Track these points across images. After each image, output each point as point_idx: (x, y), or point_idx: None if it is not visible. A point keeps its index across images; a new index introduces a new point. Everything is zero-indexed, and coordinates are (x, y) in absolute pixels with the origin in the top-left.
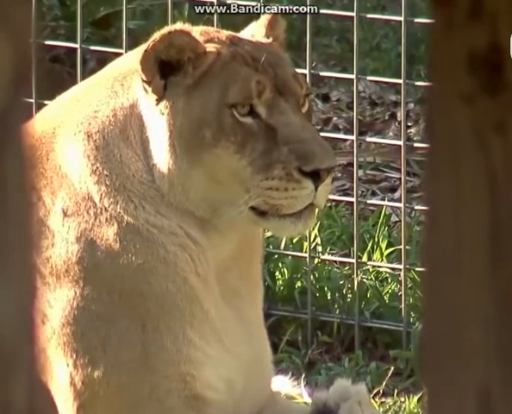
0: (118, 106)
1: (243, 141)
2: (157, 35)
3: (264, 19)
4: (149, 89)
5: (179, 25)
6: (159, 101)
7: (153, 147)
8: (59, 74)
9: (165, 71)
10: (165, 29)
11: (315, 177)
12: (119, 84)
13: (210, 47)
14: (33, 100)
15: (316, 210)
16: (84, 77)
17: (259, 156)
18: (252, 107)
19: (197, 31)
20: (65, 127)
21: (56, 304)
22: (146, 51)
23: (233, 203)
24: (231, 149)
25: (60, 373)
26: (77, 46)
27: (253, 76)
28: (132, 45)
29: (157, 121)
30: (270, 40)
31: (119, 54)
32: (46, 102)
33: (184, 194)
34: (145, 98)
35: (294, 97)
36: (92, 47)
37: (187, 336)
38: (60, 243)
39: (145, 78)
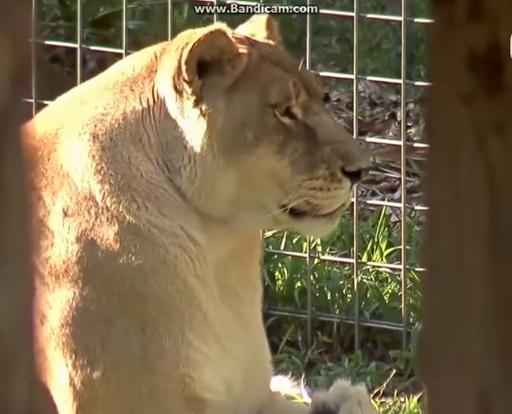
0: (129, 110)
1: (284, 141)
2: (200, 35)
3: (259, 21)
4: (189, 90)
5: (218, 25)
6: (197, 102)
7: (180, 150)
8: (59, 74)
9: (202, 72)
10: (206, 29)
11: (355, 177)
12: (129, 90)
13: (241, 49)
14: (33, 100)
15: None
16: (83, 77)
17: (300, 156)
18: (289, 108)
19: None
20: (69, 128)
21: (55, 304)
22: (191, 51)
23: (263, 206)
24: (272, 149)
25: (60, 374)
26: (77, 46)
27: (287, 77)
28: (132, 45)
29: (191, 122)
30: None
31: (119, 54)
32: (46, 102)
33: (212, 195)
34: (173, 100)
35: (319, 97)
36: (92, 47)
37: (186, 338)
38: (60, 243)
39: (187, 79)
